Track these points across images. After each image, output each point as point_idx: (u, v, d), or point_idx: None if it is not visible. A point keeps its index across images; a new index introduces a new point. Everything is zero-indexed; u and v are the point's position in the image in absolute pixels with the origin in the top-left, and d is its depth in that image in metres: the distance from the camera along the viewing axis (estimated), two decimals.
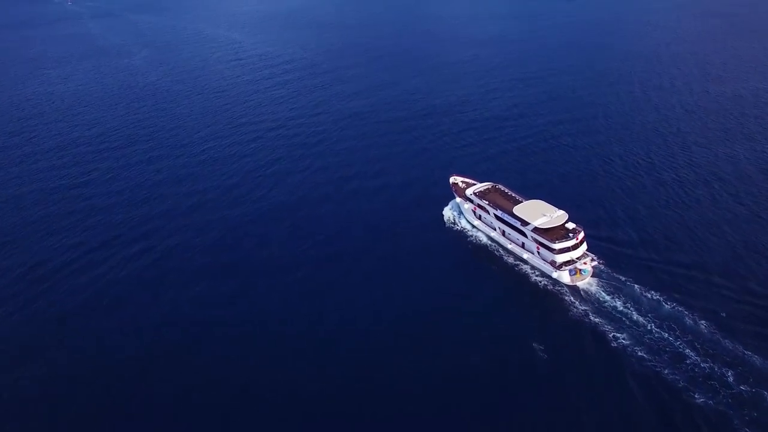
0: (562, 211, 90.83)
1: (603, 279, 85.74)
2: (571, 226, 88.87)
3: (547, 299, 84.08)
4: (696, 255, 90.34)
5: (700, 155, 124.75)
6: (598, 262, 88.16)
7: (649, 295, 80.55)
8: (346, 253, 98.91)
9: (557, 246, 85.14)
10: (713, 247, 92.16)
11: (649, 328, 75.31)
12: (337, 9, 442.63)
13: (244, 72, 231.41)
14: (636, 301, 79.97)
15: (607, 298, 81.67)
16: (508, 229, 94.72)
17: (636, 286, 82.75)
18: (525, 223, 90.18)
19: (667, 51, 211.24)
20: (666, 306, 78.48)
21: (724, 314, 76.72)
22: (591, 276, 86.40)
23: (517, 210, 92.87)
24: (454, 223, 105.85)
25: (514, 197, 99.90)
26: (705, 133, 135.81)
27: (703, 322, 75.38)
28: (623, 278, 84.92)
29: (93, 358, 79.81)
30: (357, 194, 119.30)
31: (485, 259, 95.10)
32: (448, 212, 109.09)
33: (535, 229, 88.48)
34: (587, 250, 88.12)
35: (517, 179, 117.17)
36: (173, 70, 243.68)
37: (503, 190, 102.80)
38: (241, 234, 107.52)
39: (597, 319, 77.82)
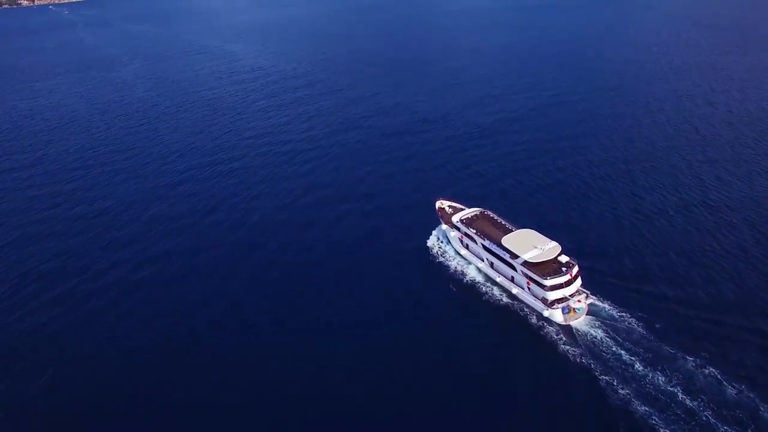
0: (554, 243, 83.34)
1: (600, 318, 78.09)
2: (564, 259, 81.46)
3: (536, 341, 76.20)
4: (710, 296, 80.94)
5: (710, 178, 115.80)
6: (595, 300, 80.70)
7: (652, 339, 72.84)
8: (317, 287, 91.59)
9: (549, 282, 77.74)
10: (729, 287, 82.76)
11: (651, 377, 67.67)
12: (333, 19, 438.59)
13: (234, 86, 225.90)
14: (637, 345, 72.28)
15: (605, 340, 74.06)
16: (496, 261, 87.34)
17: (637, 327, 75.08)
18: (514, 256, 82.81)
19: (669, 65, 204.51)
20: (671, 352, 70.71)
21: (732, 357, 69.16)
22: (586, 314, 78.89)
23: (506, 241, 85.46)
24: (440, 252, 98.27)
25: (504, 225, 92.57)
26: (714, 152, 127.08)
27: (709, 369, 67.75)
28: (623, 318, 77.28)
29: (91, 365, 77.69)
30: (344, 218, 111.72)
31: (470, 294, 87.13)
32: (433, 239, 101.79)
33: (525, 263, 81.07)
34: (582, 285, 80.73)
35: (507, 202, 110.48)
36: (161, 84, 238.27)
37: (492, 217, 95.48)
38: (218, 262, 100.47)
39: (592, 365, 70.14)
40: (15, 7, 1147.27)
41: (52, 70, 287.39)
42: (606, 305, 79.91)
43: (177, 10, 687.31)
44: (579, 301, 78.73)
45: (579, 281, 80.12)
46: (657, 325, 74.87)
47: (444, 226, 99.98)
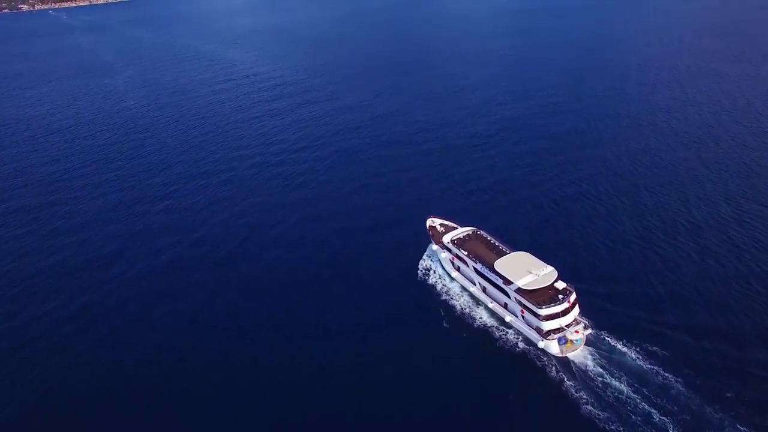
0: (551, 268, 78.10)
1: (599, 349, 72.77)
2: (561, 285, 76.15)
3: (529, 375, 70.97)
4: (730, 330, 73.99)
5: (720, 194, 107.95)
6: (593, 330, 75.39)
7: (657, 373, 67.32)
8: (306, 302, 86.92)
9: (544, 312, 72.53)
10: (748, 319, 75.82)
11: (652, 414, 62.38)
12: (332, 24, 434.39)
13: (229, 95, 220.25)
14: (638, 379, 66.97)
15: (604, 374, 68.82)
16: (489, 286, 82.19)
17: (639, 359, 69.67)
18: (507, 282, 77.59)
19: (672, 71, 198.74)
20: (681, 391, 65.14)
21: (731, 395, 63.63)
22: (584, 345, 73.64)
23: (499, 265, 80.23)
24: (430, 275, 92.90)
25: (498, 247, 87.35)
26: (727, 169, 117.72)
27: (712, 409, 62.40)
28: (624, 349, 71.67)
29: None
30: (333, 235, 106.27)
31: (460, 320, 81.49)
32: (425, 260, 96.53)
33: (519, 290, 75.87)
34: (580, 313, 75.53)
35: (503, 220, 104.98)
36: (154, 93, 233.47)
37: (485, 238, 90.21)
38: (207, 277, 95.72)
39: (588, 401, 64.93)
40: (15, 11, 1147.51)
41: (45, 76, 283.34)
42: (606, 335, 74.58)
43: (177, 14, 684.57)
44: (576, 331, 73.43)
45: (576, 310, 74.92)
46: (665, 360, 69.23)
47: (435, 246, 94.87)
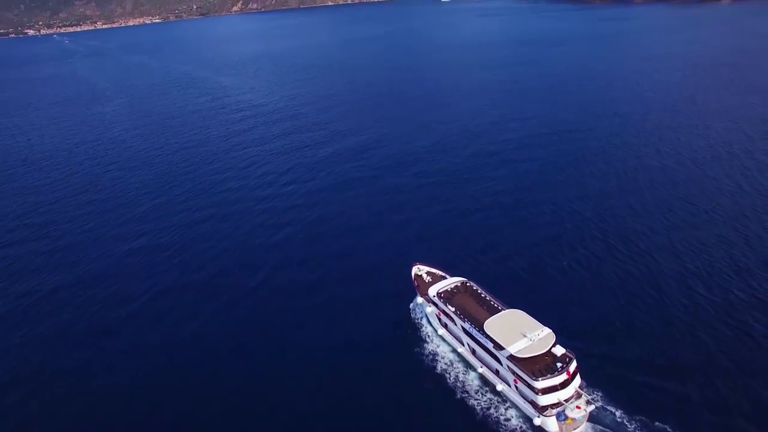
0: (548, 330, 68.51)
1: (606, 427, 63.02)
2: (559, 351, 66.55)
3: None
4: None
5: (749, 243, 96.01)
6: (598, 404, 65.51)
7: None
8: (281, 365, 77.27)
9: (539, 384, 62.87)
10: None
11: None
12: (330, 52, 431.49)
13: (219, 123, 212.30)
14: None
15: None
16: (478, 349, 72.59)
17: None
18: (499, 347, 68.01)
19: (683, 106, 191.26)
20: None
21: None
22: (588, 421, 63.85)
23: (489, 326, 70.66)
24: (415, 331, 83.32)
25: (489, 302, 77.86)
26: (752, 214, 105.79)
27: None
28: (636, 428, 61.67)
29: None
30: (315, 286, 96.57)
31: (445, 387, 71.47)
32: (412, 312, 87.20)
33: (511, 357, 66.25)
34: (582, 384, 65.89)
35: (495, 269, 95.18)
36: (142, 122, 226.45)
37: (476, 291, 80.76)
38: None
39: None
40: (21, 36, 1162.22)
41: (33, 104, 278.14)
42: (614, 410, 64.57)
43: (177, 39, 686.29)
44: (578, 407, 63.58)
45: (578, 380, 65.28)
46: None
47: (420, 299, 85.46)
